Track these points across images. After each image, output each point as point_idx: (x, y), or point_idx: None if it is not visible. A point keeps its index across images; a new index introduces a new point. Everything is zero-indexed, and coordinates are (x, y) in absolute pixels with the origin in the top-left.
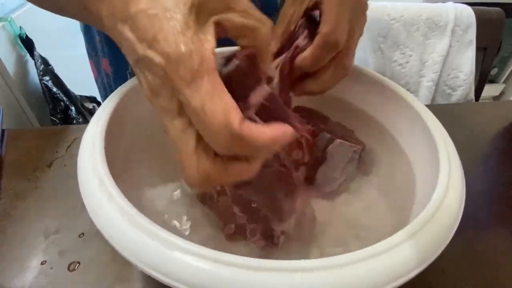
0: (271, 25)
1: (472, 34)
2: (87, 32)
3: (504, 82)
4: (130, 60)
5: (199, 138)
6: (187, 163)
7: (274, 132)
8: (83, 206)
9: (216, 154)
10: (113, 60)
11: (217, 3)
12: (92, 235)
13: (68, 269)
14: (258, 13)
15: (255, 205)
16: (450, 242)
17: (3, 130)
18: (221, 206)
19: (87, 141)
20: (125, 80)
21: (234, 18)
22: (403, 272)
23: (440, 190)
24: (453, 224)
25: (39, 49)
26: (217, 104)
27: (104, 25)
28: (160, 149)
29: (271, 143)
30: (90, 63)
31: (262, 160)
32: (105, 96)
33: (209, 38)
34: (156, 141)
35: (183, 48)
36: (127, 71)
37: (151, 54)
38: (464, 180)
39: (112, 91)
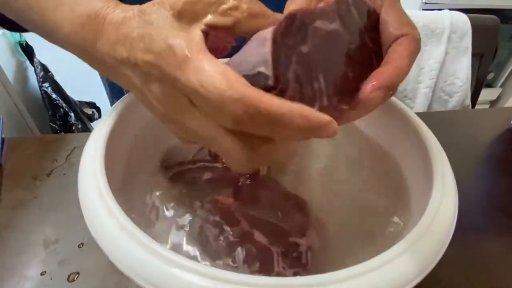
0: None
1: (468, 41)
2: None
3: (501, 86)
4: (132, 84)
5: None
6: (226, 154)
7: (293, 107)
8: (82, 216)
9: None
10: None
11: (199, 9)
12: (91, 245)
13: (68, 279)
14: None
15: (273, 220)
16: (447, 250)
17: (3, 139)
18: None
19: (88, 159)
20: (121, 93)
21: (219, 18)
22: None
23: (433, 206)
24: (446, 238)
25: (39, 54)
26: (213, 75)
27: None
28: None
29: (287, 116)
30: None
31: (289, 141)
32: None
33: (196, 32)
34: (154, 154)
35: (169, 41)
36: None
37: (146, 57)
38: (456, 194)
39: (111, 100)
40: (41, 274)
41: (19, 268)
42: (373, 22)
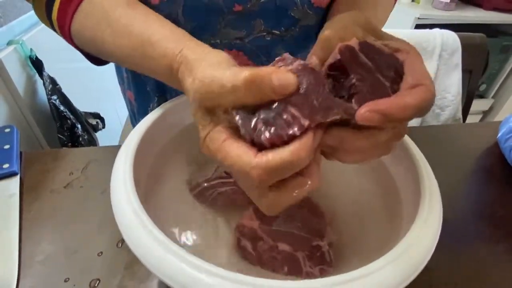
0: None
1: (457, 58)
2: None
3: (493, 97)
4: None
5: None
6: (255, 202)
7: (291, 148)
8: (100, 226)
9: (270, 185)
10: (137, 97)
11: (212, 102)
12: (110, 254)
13: (90, 286)
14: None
15: (294, 231)
16: (437, 256)
17: (20, 153)
18: (262, 254)
19: (119, 176)
20: (146, 113)
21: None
22: None
23: (417, 226)
24: (426, 255)
25: (47, 66)
26: (231, 159)
27: None
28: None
29: (294, 157)
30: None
31: (315, 168)
32: (130, 117)
33: (221, 120)
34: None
35: (205, 140)
36: (149, 108)
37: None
38: (441, 215)
39: (135, 116)
40: (65, 281)
41: (43, 276)
42: (393, 66)
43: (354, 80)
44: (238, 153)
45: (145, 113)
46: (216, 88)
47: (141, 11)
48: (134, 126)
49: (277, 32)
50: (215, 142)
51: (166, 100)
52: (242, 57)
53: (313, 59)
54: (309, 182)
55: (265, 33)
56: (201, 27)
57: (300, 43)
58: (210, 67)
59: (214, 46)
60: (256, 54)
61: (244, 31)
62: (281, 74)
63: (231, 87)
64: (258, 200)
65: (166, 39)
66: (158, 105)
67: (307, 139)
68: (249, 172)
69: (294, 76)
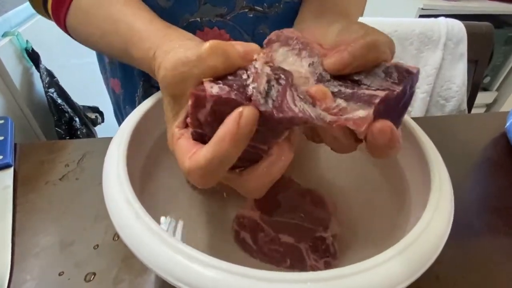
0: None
1: (463, 47)
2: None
3: (497, 90)
4: None
5: None
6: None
7: (214, 140)
8: (96, 218)
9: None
10: (124, 84)
11: (179, 84)
12: (106, 247)
13: (85, 279)
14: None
15: (296, 221)
16: (444, 249)
17: (15, 144)
18: (263, 245)
19: (111, 165)
20: (134, 101)
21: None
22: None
23: (428, 215)
24: (438, 245)
25: (44, 59)
26: (181, 160)
27: None
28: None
29: (218, 152)
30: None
31: (285, 144)
32: (114, 110)
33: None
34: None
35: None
36: (136, 94)
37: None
38: (453, 203)
39: (119, 108)
40: (59, 274)
41: (38, 269)
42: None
43: (365, 84)
44: (179, 156)
45: (132, 101)
46: (180, 66)
47: (133, 5)
48: (118, 120)
49: (260, 8)
50: (173, 139)
51: (150, 85)
52: (224, 36)
53: None
54: (282, 158)
55: (247, 10)
56: (179, 4)
57: (284, 21)
58: (174, 55)
59: (194, 24)
60: (238, 33)
61: (225, 8)
62: (244, 43)
63: (196, 57)
64: (237, 188)
65: (147, 38)
66: (143, 91)
67: (232, 127)
68: (188, 178)
69: (256, 45)
